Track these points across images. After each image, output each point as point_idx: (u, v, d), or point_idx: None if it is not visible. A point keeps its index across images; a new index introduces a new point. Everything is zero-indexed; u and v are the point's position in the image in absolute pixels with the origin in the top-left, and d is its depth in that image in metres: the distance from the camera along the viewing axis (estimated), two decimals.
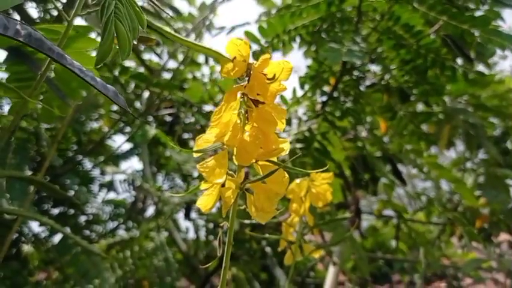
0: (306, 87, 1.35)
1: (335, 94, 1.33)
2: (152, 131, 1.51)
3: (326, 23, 1.24)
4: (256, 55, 1.20)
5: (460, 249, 2.11)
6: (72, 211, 1.43)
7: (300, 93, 1.39)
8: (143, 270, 1.33)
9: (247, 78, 0.43)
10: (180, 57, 1.70)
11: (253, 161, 0.44)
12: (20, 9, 1.06)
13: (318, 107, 1.38)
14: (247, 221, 0.70)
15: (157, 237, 1.41)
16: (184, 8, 2.17)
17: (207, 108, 1.79)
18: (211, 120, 0.43)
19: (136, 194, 1.83)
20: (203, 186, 0.45)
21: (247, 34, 1.24)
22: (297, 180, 0.73)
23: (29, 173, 1.11)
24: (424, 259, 1.59)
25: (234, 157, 0.44)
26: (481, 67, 1.38)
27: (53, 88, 0.57)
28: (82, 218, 1.53)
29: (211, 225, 1.78)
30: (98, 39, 0.60)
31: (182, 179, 1.87)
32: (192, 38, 1.64)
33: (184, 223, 1.78)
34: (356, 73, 1.32)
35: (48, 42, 0.39)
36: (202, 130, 1.72)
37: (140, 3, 0.45)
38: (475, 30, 1.09)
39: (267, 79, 0.43)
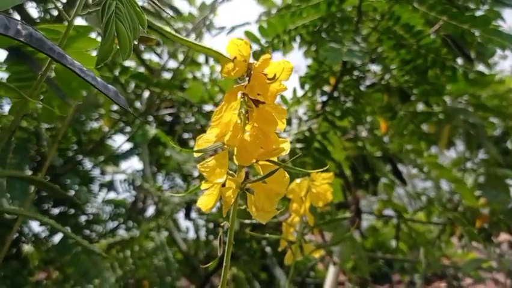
0: (307, 87, 1.35)
1: (335, 94, 1.33)
2: (152, 130, 1.52)
3: (326, 22, 1.24)
4: (256, 55, 1.20)
5: (460, 249, 2.11)
6: (72, 211, 1.44)
7: (300, 93, 1.39)
8: (143, 270, 1.33)
9: (247, 78, 0.43)
10: (180, 57, 1.70)
11: (254, 160, 0.44)
12: (20, 9, 1.06)
13: (319, 106, 1.38)
14: (247, 221, 0.70)
15: (157, 237, 1.41)
16: (184, 8, 2.17)
17: (207, 108, 1.79)
18: (212, 120, 0.44)
19: (136, 194, 1.83)
20: (203, 186, 0.45)
21: (248, 34, 1.23)
22: (298, 180, 0.73)
23: (29, 172, 1.11)
24: (424, 259, 1.59)
25: (234, 157, 0.44)
26: (481, 67, 1.38)
27: (54, 88, 0.57)
28: (82, 218, 1.53)
29: (211, 225, 1.78)
30: (99, 39, 0.60)
31: (182, 178, 1.88)
32: (192, 38, 1.64)
33: (184, 223, 1.78)
34: (356, 73, 1.32)
35: (49, 42, 0.39)
36: (202, 130, 1.72)
37: (140, 3, 0.45)
38: (475, 30, 1.09)
39: (268, 79, 0.43)
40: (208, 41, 1.92)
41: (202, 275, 1.58)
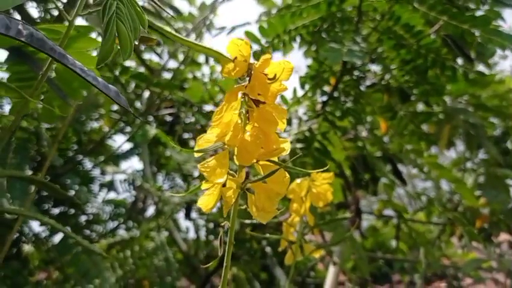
0: (307, 87, 1.35)
1: (335, 94, 1.33)
2: (152, 130, 1.52)
3: (326, 22, 1.24)
4: (256, 55, 1.20)
5: (460, 249, 2.11)
6: (72, 211, 1.44)
7: (300, 93, 1.39)
8: (143, 270, 1.33)
9: (248, 78, 0.43)
10: (181, 57, 1.70)
11: (254, 160, 0.44)
12: (21, 9, 1.06)
13: (319, 106, 1.38)
14: (247, 221, 0.70)
15: (158, 237, 1.41)
16: (184, 8, 2.17)
17: (207, 108, 1.79)
18: (212, 120, 0.44)
19: (137, 194, 1.83)
20: (204, 186, 0.45)
21: (248, 34, 1.23)
22: (298, 180, 0.73)
23: (29, 172, 1.11)
24: (424, 259, 1.59)
25: (234, 157, 0.44)
26: (481, 67, 1.38)
27: (54, 88, 0.57)
28: (82, 218, 1.53)
29: (211, 225, 1.78)
30: (99, 39, 0.60)
31: (182, 178, 1.88)
32: (192, 38, 1.64)
33: (184, 223, 1.78)
34: (356, 73, 1.32)
35: (50, 42, 0.39)
36: (203, 130, 1.72)
37: (140, 3, 0.45)
38: (475, 30, 1.09)
39: (268, 79, 0.43)
40: (208, 41, 1.93)
41: (203, 275, 1.58)
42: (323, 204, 0.72)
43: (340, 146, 1.30)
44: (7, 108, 1.02)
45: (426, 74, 1.21)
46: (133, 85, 1.50)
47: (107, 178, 1.71)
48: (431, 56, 1.16)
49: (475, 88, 1.54)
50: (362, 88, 1.35)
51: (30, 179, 0.73)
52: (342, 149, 1.32)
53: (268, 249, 1.65)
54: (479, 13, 1.13)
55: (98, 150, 1.53)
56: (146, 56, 1.70)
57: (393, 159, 1.47)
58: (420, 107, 1.51)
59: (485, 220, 1.66)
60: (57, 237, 1.23)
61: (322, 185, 0.72)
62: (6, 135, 0.58)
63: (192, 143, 1.85)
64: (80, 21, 0.53)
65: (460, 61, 1.20)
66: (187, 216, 1.74)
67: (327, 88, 1.37)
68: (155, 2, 0.46)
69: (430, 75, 1.22)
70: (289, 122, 1.41)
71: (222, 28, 1.66)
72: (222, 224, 0.45)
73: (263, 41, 1.24)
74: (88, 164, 1.55)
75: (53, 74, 0.60)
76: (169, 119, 1.79)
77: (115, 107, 1.63)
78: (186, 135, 1.85)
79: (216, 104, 1.74)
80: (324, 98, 1.35)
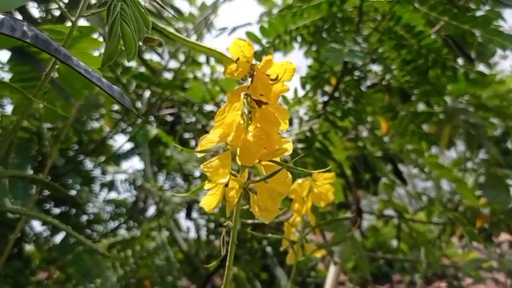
0: (308, 87, 1.35)
1: (336, 94, 1.33)
2: (153, 130, 1.52)
3: (327, 23, 1.24)
4: (257, 55, 1.20)
5: (460, 249, 2.11)
6: (73, 211, 1.44)
7: (301, 93, 1.39)
8: (144, 269, 1.33)
9: (250, 79, 0.43)
10: (181, 57, 1.70)
11: (257, 161, 0.44)
12: (22, 9, 1.06)
13: (320, 107, 1.38)
14: (249, 221, 0.70)
15: (158, 236, 1.41)
16: (185, 8, 2.17)
17: (208, 107, 1.79)
18: (215, 121, 0.44)
19: (137, 194, 1.83)
20: (207, 186, 0.45)
21: (249, 34, 1.24)
22: (299, 180, 0.73)
23: (30, 172, 1.11)
24: (425, 259, 1.59)
25: (237, 157, 0.44)
26: (481, 67, 1.38)
27: (57, 88, 0.57)
28: (83, 218, 1.53)
29: (212, 225, 1.78)
30: (100, 39, 0.60)
31: (183, 178, 1.88)
32: (193, 38, 1.64)
33: (185, 223, 1.78)
34: (357, 73, 1.32)
35: (55, 44, 0.40)
36: (203, 130, 1.73)
37: (141, 3, 0.45)
38: (476, 31, 1.09)
39: (270, 80, 0.43)
40: (209, 41, 1.93)
41: (203, 275, 1.58)
42: (324, 204, 0.72)
43: (341, 146, 1.30)
44: (7, 107, 1.03)
45: (427, 74, 1.21)
46: (134, 85, 1.50)
47: (108, 178, 1.71)
48: (431, 56, 1.16)
49: (476, 88, 1.54)
50: (363, 88, 1.35)
51: (32, 179, 0.74)
52: (343, 149, 1.32)
53: (269, 249, 1.65)
54: (479, 13, 1.13)
55: (99, 150, 1.54)
56: (147, 56, 1.70)
57: (393, 159, 1.47)
58: (421, 107, 1.52)
59: (486, 220, 1.66)
60: (59, 237, 1.23)
61: (323, 185, 0.72)
62: (9, 135, 0.58)
63: (192, 142, 1.86)
64: (80, 22, 0.53)
65: (460, 61, 1.20)
66: (188, 216, 1.74)
67: (328, 88, 1.37)
68: (158, 3, 0.46)
69: (431, 76, 1.22)
70: (290, 122, 1.41)
71: (223, 28, 1.67)
72: (225, 223, 0.46)
73: (264, 41, 1.24)
74: (88, 164, 1.55)
75: (56, 75, 0.60)
76: (170, 118, 1.79)
77: (116, 107, 1.63)
78: (187, 135, 1.85)
79: (217, 104, 1.74)
80: (325, 98, 1.35)
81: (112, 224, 1.63)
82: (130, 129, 1.62)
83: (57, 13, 1.17)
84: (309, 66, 1.32)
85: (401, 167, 1.52)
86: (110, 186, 1.72)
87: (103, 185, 1.66)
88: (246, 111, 0.44)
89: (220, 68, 1.81)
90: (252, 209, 0.45)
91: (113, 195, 1.73)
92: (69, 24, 0.50)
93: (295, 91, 1.42)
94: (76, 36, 0.56)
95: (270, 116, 0.43)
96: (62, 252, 1.15)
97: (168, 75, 1.71)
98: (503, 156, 1.66)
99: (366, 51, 1.12)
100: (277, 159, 0.45)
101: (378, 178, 1.48)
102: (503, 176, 1.61)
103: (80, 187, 1.47)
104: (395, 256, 2.10)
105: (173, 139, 1.65)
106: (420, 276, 1.85)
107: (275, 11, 1.72)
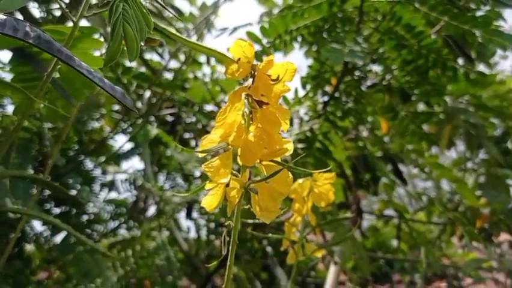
0: (308, 87, 1.35)
1: (337, 94, 1.33)
2: (153, 130, 1.52)
3: (328, 23, 1.24)
4: (258, 55, 1.20)
5: (460, 249, 2.11)
6: (74, 210, 1.44)
7: (301, 93, 1.39)
8: (144, 269, 1.33)
9: (251, 79, 0.43)
10: (182, 57, 1.71)
11: (258, 161, 0.44)
12: (23, 9, 1.06)
13: (320, 107, 1.38)
14: (250, 221, 0.70)
15: (159, 236, 1.41)
16: (185, 8, 2.17)
17: (209, 107, 1.79)
18: (216, 121, 0.44)
19: (138, 194, 1.83)
20: (208, 186, 0.45)
21: (249, 34, 1.24)
22: (300, 180, 0.73)
23: (31, 172, 1.11)
24: (425, 259, 1.59)
25: (238, 157, 0.44)
26: (482, 67, 1.38)
27: (58, 88, 0.57)
28: (84, 218, 1.53)
29: (212, 225, 1.78)
30: (101, 39, 0.61)
31: (183, 178, 1.88)
32: (193, 38, 1.64)
33: (185, 222, 1.78)
34: (357, 73, 1.32)
35: (57, 44, 0.40)
36: (204, 130, 1.73)
37: (142, 3, 0.45)
38: (476, 31, 1.09)
39: (271, 80, 0.43)
40: (210, 41, 1.93)
41: (204, 275, 1.58)
42: (325, 204, 0.72)
43: (341, 146, 1.30)
44: (8, 107, 1.03)
45: (427, 74, 1.21)
46: (134, 85, 1.50)
47: (109, 178, 1.71)
48: (432, 57, 1.16)
49: (476, 88, 1.55)
50: (363, 88, 1.35)
51: (33, 179, 0.74)
52: (343, 149, 1.32)
53: (269, 248, 1.65)
54: (479, 13, 1.13)
55: (99, 150, 1.54)
56: (148, 56, 1.70)
57: (394, 159, 1.47)
58: (421, 107, 1.52)
59: (486, 220, 1.66)
60: (59, 237, 1.23)
61: (324, 185, 0.72)
62: (10, 135, 0.58)
63: (193, 142, 1.86)
64: (81, 22, 0.53)
65: (460, 61, 1.21)
66: (188, 215, 1.74)
67: (328, 88, 1.37)
68: (160, 3, 0.46)
69: (431, 76, 1.22)
70: (290, 122, 1.41)
71: (224, 29, 1.67)
72: (226, 223, 0.46)
73: (264, 41, 1.24)
74: (89, 163, 1.55)
75: (57, 75, 0.60)
76: (170, 119, 1.79)
77: (116, 107, 1.63)
78: (187, 135, 1.85)
79: (217, 104, 1.74)
80: (325, 98, 1.36)
81: (112, 224, 1.63)
82: (130, 129, 1.62)
83: (58, 13, 1.18)
84: (310, 66, 1.33)
85: (401, 167, 1.52)
86: (111, 186, 1.72)
87: (103, 185, 1.66)
88: (247, 112, 0.44)
89: (220, 68, 1.81)
90: (253, 208, 0.45)
91: (113, 195, 1.73)
92: (70, 24, 0.51)
93: (296, 91, 1.42)
94: (77, 37, 0.56)
95: (271, 116, 0.43)
96: (62, 252, 1.15)
97: (169, 75, 1.71)
98: (503, 156, 1.67)
99: (366, 51, 1.12)
100: (278, 159, 0.45)
101: (378, 178, 1.48)
102: (503, 176, 1.62)
103: (81, 187, 1.47)
104: (395, 256, 2.10)
105: (174, 139, 1.65)
106: (420, 276, 1.85)
107: (276, 11, 1.72)
